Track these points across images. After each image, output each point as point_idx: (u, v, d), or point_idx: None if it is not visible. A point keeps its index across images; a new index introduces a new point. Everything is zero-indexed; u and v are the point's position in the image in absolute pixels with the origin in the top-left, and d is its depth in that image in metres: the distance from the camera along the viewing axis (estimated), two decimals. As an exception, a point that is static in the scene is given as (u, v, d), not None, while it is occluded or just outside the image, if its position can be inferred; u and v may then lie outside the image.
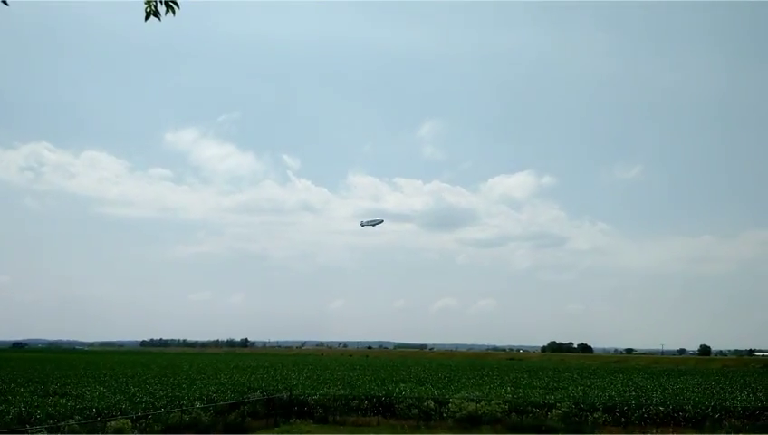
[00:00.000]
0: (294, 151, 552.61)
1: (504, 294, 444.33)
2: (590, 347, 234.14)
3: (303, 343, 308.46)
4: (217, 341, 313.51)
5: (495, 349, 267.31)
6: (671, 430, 29.12)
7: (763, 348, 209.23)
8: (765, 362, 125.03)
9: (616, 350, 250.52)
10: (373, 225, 73.43)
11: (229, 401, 32.78)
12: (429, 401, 34.59)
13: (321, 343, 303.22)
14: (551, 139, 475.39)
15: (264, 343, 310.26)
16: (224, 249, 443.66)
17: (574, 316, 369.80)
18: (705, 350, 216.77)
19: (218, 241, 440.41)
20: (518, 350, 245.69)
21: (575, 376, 62.55)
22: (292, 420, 33.29)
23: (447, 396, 36.25)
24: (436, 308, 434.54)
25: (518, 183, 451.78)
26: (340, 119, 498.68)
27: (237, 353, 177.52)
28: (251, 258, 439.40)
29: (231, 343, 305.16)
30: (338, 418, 33.53)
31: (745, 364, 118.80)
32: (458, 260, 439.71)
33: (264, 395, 35.83)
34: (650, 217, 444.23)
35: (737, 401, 34.99)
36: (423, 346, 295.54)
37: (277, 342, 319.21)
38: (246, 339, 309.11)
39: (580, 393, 39.57)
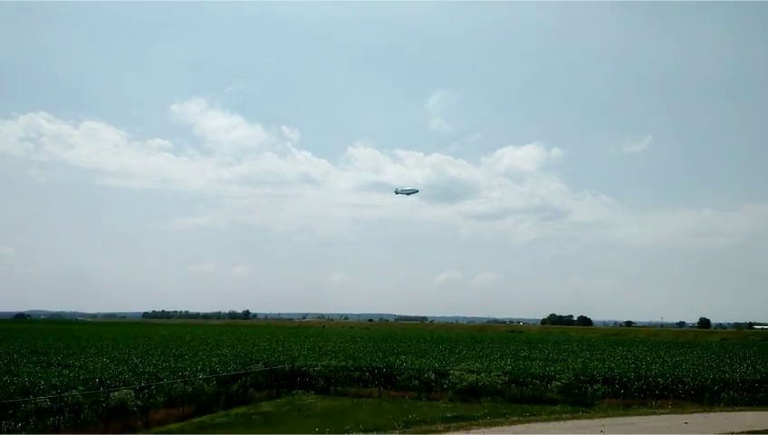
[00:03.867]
0: (296, 123, 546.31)
1: (505, 268, 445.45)
2: (589, 320, 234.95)
3: (305, 316, 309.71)
4: (219, 313, 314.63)
5: (496, 321, 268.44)
6: (670, 402, 29.31)
7: (762, 321, 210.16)
8: (764, 336, 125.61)
9: (615, 322, 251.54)
10: (408, 193, 73.31)
11: (232, 373, 32.98)
12: (430, 372, 34.81)
13: (323, 316, 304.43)
14: (562, 111, 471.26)
15: (266, 315, 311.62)
16: (224, 222, 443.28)
17: (575, 289, 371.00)
18: (704, 323, 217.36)
19: (218, 213, 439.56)
20: (518, 322, 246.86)
21: (575, 348, 62.84)
22: (294, 391, 33.57)
23: (448, 368, 36.46)
24: (438, 281, 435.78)
25: (526, 155, 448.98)
26: (345, 90, 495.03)
27: (239, 325, 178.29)
28: (252, 231, 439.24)
29: (233, 315, 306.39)
30: (339, 389, 33.80)
31: (745, 337, 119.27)
32: (460, 233, 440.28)
33: (266, 366, 36.05)
34: (653, 190, 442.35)
35: (736, 373, 35.20)
36: (424, 319, 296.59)
37: (279, 314, 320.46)
38: (248, 311, 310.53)
39: (580, 365, 39.76)
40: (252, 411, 27.62)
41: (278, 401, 30.84)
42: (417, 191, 77.34)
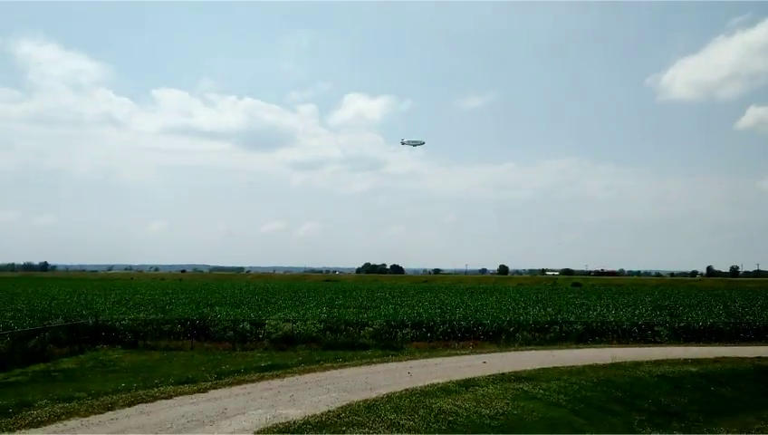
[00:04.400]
0: (100, 55, 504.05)
1: (330, 218, 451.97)
2: (401, 268, 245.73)
3: (111, 267, 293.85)
4: (13, 264, 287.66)
5: (313, 271, 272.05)
6: (471, 343, 31.43)
7: (552, 267, 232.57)
8: (554, 280, 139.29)
9: (425, 270, 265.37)
10: (414, 145, 69.93)
11: (28, 328, 30.41)
12: (245, 323, 34.50)
13: (131, 267, 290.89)
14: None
15: (67, 267, 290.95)
16: (13, 164, 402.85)
17: (391, 239, 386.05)
18: (503, 269, 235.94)
19: (6, 155, 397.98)
20: (335, 272, 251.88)
21: (387, 296, 65.43)
22: (99, 346, 31.70)
23: (264, 318, 36.38)
24: (263, 231, 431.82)
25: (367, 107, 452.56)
26: (171, 26, 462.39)
27: (36, 278, 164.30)
28: (47, 175, 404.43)
29: (28, 267, 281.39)
30: (149, 343, 32.44)
31: (537, 282, 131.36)
32: (287, 183, 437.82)
33: (66, 321, 33.69)
34: (464, 145, 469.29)
35: (529, 316, 38.58)
36: (240, 269, 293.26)
37: (81, 265, 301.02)
38: (46, 263, 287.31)
39: (391, 312, 41.44)
40: (52, 368, 25.73)
41: (81, 356, 28.98)
42: (424, 143, 74.80)
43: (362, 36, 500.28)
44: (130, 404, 15.10)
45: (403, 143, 68.80)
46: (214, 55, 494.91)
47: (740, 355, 26.58)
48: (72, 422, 13.41)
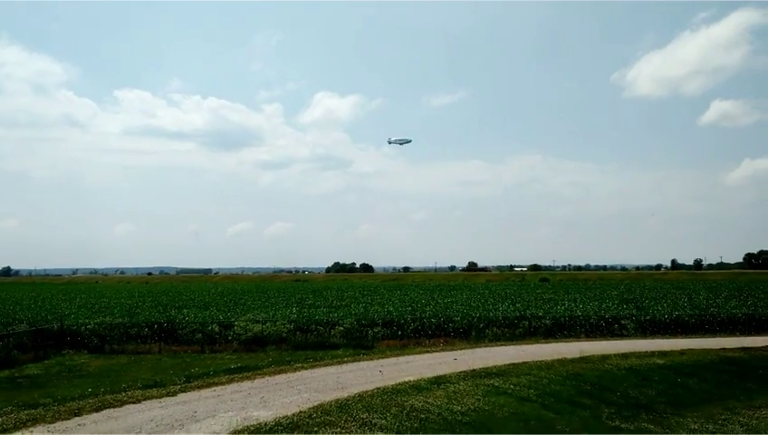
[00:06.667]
0: (65, 57, 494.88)
1: (299, 218, 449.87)
2: (371, 267, 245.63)
3: (75, 271, 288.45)
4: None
5: (282, 271, 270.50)
6: (442, 340, 31.54)
7: (520, 263, 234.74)
8: (522, 276, 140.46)
9: (395, 268, 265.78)
10: (401, 143, 69.07)
11: (-11, 336, 29.75)
12: (214, 325, 34.19)
13: (96, 271, 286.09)
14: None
15: (30, 271, 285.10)
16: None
17: (360, 237, 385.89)
18: (472, 266, 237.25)
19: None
20: (304, 272, 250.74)
21: (357, 295, 65.36)
22: (64, 352, 31.13)
23: (233, 319, 36.09)
24: (231, 233, 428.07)
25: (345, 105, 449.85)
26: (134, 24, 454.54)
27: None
28: (7, 178, 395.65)
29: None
30: (115, 347, 31.95)
31: (506, 278, 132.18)
32: (249, 183, 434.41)
33: (31, 327, 33.03)
34: (433, 143, 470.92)
35: (498, 311, 38.86)
36: (208, 271, 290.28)
37: (45, 270, 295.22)
38: (9, 267, 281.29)
39: (361, 310, 41.42)
40: (16, 375, 25.22)
41: (46, 362, 28.44)
42: (411, 141, 74.24)
43: (333, 35, 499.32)
44: (98, 409, 14.82)
45: (390, 142, 68.86)
46: (179, 56, 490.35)
47: (705, 347, 27.08)
48: (39, 429, 13.13)
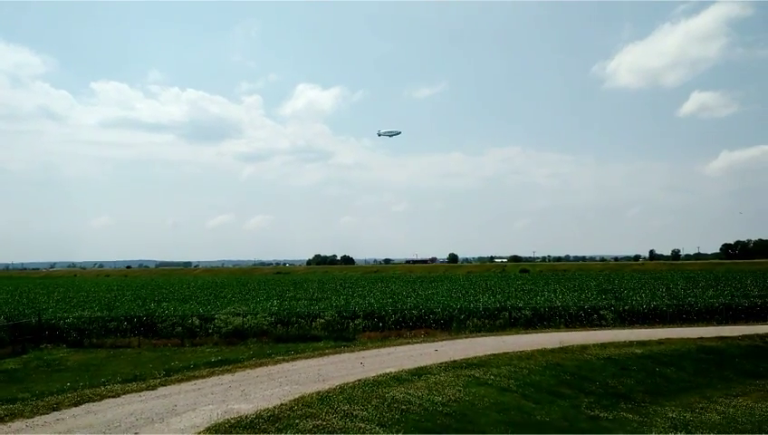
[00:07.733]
0: (43, 49, 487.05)
1: (280, 210, 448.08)
2: (352, 259, 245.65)
3: (53, 265, 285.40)
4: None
5: (263, 264, 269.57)
6: (423, 331, 31.62)
7: (501, 255, 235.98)
8: (502, 267, 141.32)
9: (375, 260, 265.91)
10: (390, 135, 68.30)
11: (-35, 331, 29.39)
12: (194, 318, 34.03)
13: (74, 264, 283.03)
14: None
15: (7, 265, 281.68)
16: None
17: (342, 230, 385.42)
18: (453, 257, 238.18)
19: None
20: (285, 264, 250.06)
21: (337, 287, 65.37)
22: (42, 346, 30.83)
23: (213, 313, 35.93)
24: (211, 226, 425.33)
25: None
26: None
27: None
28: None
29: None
30: (94, 341, 31.71)
31: (487, 270, 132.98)
32: (229, 175, 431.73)
33: (8, 321, 32.66)
34: (411, 135, 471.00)
35: (479, 303, 39.02)
36: (188, 264, 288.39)
37: (22, 264, 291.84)
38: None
39: (343, 302, 41.40)
40: (-7, 370, 24.98)
41: (24, 356, 28.18)
42: (400, 133, 73.58)
43: (316, 27, 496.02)
44: (77, 404, 14.68)
45: (380, 135, 68.64)
46: (157, 47, 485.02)
47: (683, 337, 27.41)
48: (17, 424, 12.97)
